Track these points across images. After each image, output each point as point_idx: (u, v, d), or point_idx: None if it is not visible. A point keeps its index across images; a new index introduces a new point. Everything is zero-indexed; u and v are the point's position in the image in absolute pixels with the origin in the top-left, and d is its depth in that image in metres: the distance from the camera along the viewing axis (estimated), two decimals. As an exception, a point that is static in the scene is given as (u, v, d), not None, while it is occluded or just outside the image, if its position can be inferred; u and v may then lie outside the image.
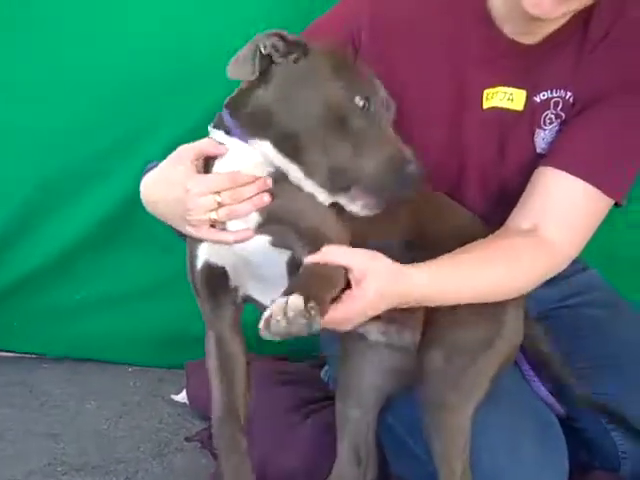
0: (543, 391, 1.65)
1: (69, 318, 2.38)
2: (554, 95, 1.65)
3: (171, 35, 2.11)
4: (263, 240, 1.38)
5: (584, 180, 1.59)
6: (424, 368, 1.47)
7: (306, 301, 1.18)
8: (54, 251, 2.29)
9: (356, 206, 1.35)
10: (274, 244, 1.38)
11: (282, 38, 1.35)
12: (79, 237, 2.27)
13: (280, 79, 1.36)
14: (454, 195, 1.68)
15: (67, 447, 1.99)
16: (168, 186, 1.43)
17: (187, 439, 2.03)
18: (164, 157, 2.11)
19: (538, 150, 1.67)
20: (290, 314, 1.16)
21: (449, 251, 1.48)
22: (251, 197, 1.36)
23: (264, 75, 1.36)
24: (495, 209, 1.71)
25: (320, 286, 1.26)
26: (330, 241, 1.34)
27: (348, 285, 1.32)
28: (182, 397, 2.21)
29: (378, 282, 1.33)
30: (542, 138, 1.66)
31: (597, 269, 1.97)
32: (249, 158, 1.38)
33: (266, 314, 1.18)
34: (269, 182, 1.37)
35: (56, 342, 2.44)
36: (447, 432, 1.44)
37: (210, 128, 1.44)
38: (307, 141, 1.33)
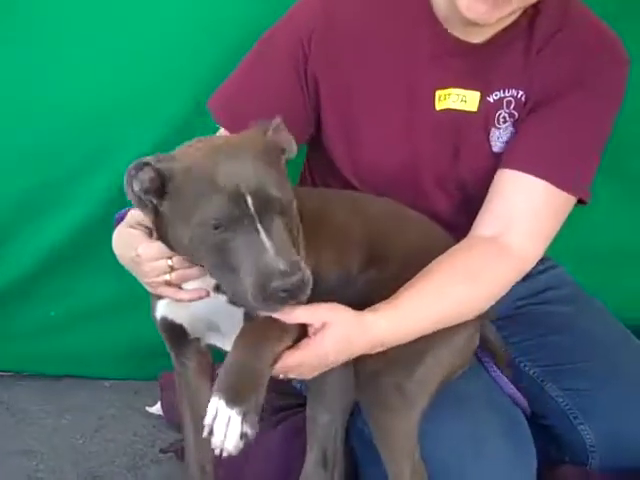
0: (510, 388, 1.66)
1: (44, 335, 2.37)
2: (506, 95, 1.66)
3: (138, 53, 2.09)
4: (220, 299, 1.41)
5: (542, 179, 1.60)
6: (366, 372, 1.48)
7: (234, 407, 1.26)
8: (26, 269, 2.27)
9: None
10: (231, 302, 1.40)
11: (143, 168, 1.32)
12: (51, 254, 2.26)
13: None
14: (416, 202, 1.68)
15: (42, 464, 2.00)
16: (125, 247, 1.49)
17: (162, 450, 2.04)
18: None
19: (494, 149, 1.68)
20: (226, 431, 1.25)
21: (407, 263, 1.51)
22: None
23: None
24: (460, 214, 1.72)
25: (263, 346, 1.33)
26: None
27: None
28: (157, 409, 2.21)
29: (336, 330, 1.38)
30: (497, 137, 1.68)
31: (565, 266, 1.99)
32: None
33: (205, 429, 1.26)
34: None
35: (32, 359, 2.43)
36: (392, 436, 1.46)
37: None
38: (209, 270, 1.34)
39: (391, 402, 1.45)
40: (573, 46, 1.62)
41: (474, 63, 1.64)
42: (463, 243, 1.61)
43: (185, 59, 2.07)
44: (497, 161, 1.67)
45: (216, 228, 1.25)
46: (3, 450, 2.06)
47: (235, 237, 1.26)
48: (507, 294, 1.72)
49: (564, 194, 1.62)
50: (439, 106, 1.67)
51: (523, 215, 1.60)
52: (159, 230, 1.37)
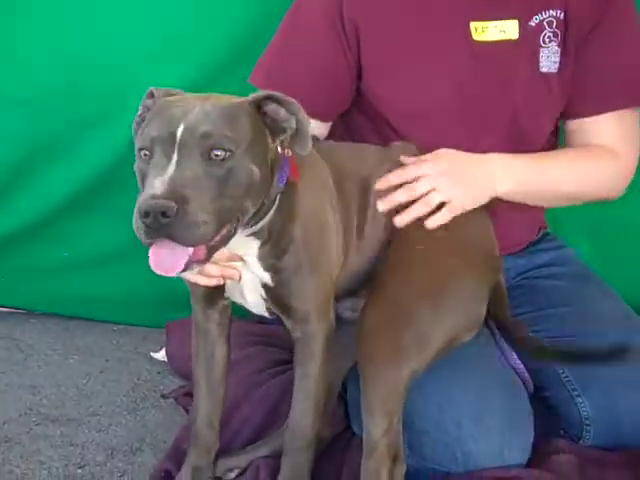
0: (516, 361, 1.66)
1: (56, 276, 2.40)
2: (546, 16, 1.71)
3: (153, 14, 2.09)
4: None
5: (622, 108, 1.76)
6: (364, 323, 1.49)
7: None
8: (42, 210, 2.29)
9: None
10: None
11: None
12: (65, 197, 2.27)
13: None
14: (465, 141, 1.68)
15: (45, 399, 2.02)
16: None
17: (163, 396, 2.06)
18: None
19: (542, 70, 1.73)
20: None
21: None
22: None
23: None
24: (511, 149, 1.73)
25: None
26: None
27: None
28: (161, 355, 2.23)
29: (448, 153, 1.58)
30: (547, 56, 1.73)
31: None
32: None
33: None
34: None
35: (44, 299, 2.48)
36: (375, 389, 1.45)
37: None
38: None
39: (382, 355, 1.45)
40: None
41: None
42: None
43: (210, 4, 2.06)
44: (545, 82, 1.72)
45: (145, 155, 1.26)
46: (10, 382, 2.09)
47: (149, 163, 1.25)
48: (510, 267, 1.73)
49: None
50: (477, 37, 1.69)
51: (616, 137, 1.77)
52: None
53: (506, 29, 1.70)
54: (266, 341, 2.01)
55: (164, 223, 1.18)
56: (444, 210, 1.57)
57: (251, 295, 1.49)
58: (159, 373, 2.20)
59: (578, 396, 1.63)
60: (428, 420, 1.50)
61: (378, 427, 1.43)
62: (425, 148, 1.66)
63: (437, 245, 1.55)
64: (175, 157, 1.22)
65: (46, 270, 2.40)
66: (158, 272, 1.29)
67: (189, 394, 1.98)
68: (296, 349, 1.51)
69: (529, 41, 1.71)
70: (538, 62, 1.72)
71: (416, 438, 1.51)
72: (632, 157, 1.82)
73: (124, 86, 2.10)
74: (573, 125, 1.82)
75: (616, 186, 1.83)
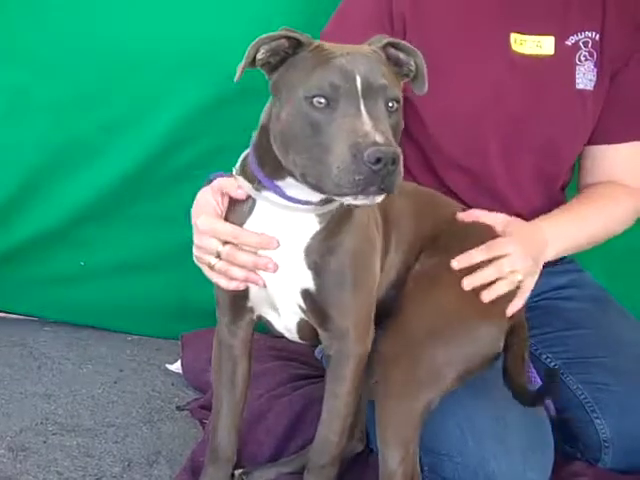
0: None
1: (72, 284, 2.41)
2: (581, 37, 1.76)
3: (181, 17, 2.11)
4: (281, 278, 1.40)
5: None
6: (380, 354, 1.48)
7: None
8: (61, 217, 2.31)
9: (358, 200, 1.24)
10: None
11: (285, 38, 1.29)
12: (85, 205, 2.29)
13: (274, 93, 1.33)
14: (499, 157, 1.74)
15: (60, 408, 2.02)
16: (197, 210, 1.44)
17: (178, 408, 2.06)
18: (171, 130, 2.13)
19: (579, 87, 1.76)
20: None
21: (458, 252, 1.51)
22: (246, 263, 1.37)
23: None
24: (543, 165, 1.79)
25: None
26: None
27: None
28: (176, 367, 2.23)
29: (519, 226, 1.57)
30: (583, 74, 1.76)
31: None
32: (274, 220, 1.37)
33: None
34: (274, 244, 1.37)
35: (59, 307, 2.48)
36: (390, 421, 1.45)
37: (236, 175, 1.41)
38: (296, 155, 1.26)
39: (397, 386, 1.45)
40: None
41: (548, 7, 1.73)
42: (585, 190, 1.85)
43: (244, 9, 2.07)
44: (581, 99, 1.75)
45: (319, 102, 1.22)
46: (24, 391, 2.09)
47: (334, 112, 1.22)
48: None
49: None
50: (516, 48, 1.73)
51: (631, 168, 1.83)
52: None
53: (543, 44, 1.74)
54: (286, 356, 2.02)
55: (391, 170, 1.17)
56: (519, 299, 1.56)
57: (285, 305, 1.45)
58: (173, 385, 2.20)
59: (597, 418, 1.64)
60: (449, 442, 1.50)
61: (394, 457, 1.43)
62: (458, 158, 1.68)
63: (455, 283, 1.51)
64: (363, 107, 1.21)
65: (61, 278, 2.41)
66: None
67: (204, 407, 1.99)
68: (329, 367, 1.48)
69: (565, 58, 1.75)
70: (574, 79, 1.75)
71: (437, 460, 1.51)
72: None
73: (150, 93, 2.13)
74: (592, 151, 1.84)
75: (631, 221, 1.86)
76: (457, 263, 1.49)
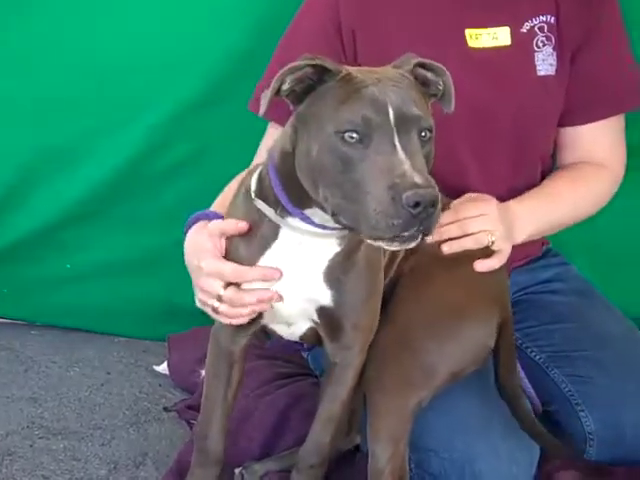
0: (526, 384, 1.69)
1: (59, 287, 2.40)
2: (536, 22, 1.75)
3: (164, 20, 2.09)
4: (297, 296, 1.39)
5: (610, 116, 1.81)
6: (373, 349, 1.48)
7: None
8: (45, 220, 2.30)
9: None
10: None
11: (310, 66, 1.24)
12: (70, 208, 2.27)
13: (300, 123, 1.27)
14: (473, 149, 1.72)
15: (47, 412, 2.02)
16: (194, 253, 1.43)
17: (165, 409, 2.05)
18: (155, 132, 2.11)
19: (540, 73, 1.75)
20: None
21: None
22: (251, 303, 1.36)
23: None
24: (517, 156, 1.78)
25: None
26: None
27: None
28: (163, 368, 2.23)
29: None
30: (542, 60, 1.75)
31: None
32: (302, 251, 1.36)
33: None
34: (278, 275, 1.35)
35: (45, 310, 2.47)
36: (382, 417, 1.45)
37: (254, 198, 1.37)
38: (327, 192, 1.21)
39: (389, 384, 1.45)
40: None
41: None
42: (558, 170, 1.84)
43: (225, 12, 2.06)
44: (544, 85, 1.74)
45: (351, 137, 1.17)
46: (10, 395, 2.08)
47: (368, 149, 1.17)
48: (513, 282, 1.75)
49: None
50: (472, 44, 1.72)
51: (602, 146, 1.82)
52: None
53: (499, 36, 1.72)
54: (271, 355, 2.02)
55: (430, 213, 1.13)
56: (495, 259, 1.56)
57: (299, 320, 1.44)
58: (160, 386, 2.19)
59: (582, 411, 1.63)
60: (436, 438, 1.50)
61: (384, 453, 1.44)
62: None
63: (448, 280, 1.54)
64: (397, 142, 1.16)
65: (48, 282, 2.40)
66: None
67: (191, 407, 1.99)
68: (330, 373, 1.48)
69: (522, 46, 1.74)
70: (535, 66, 1.74)
71: (424, 456, 1.51)
72: (621, 166, 1.86)
73: (137, 95, 2.12)
74: (565, 135, 1.85)
75: (608, 198, 1.86)
76: None
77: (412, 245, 1.18)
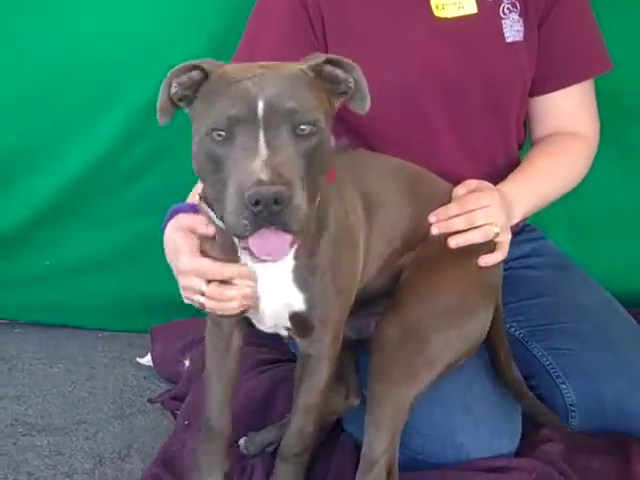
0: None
1: (39, 284, 2.39)
2: None
3: (130, 16, 2.08)
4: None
5: (580, 81, 1.81)
6: (379, 339, 1.48)
7: None
8: (21, 218, 2.29)
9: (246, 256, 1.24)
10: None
11: (195, 69, 1.24)
12: (45, 205, 2.27)
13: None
14: (448, 117, 1.72)
15: (31, 409, 2.02)
16: (174, 252, 1.42)
17: (150, 400, 2.05)
18: (126, 127, 2.08)
19: (508, 40, 1.75)
20: None
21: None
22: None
23: None
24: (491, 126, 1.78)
25: None
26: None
27: None
28: (147, 360, 2.22)
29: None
30: (510, 26, 1.75)
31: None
32: None
33: None
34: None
35: (27, 308, 2.46)
36: (383, 406, 1.44)
37: (201, 201, 1.36)
38: (209, 193, 1.26)
39: (394, 374, 1.45)
40: None
41: None
42: (536, 145, 1.84)
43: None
44: (513, 52, 1.74)
45: (218, 136, 1.16)
46: (-6, 394, 2.09)
47: (232, 146, 1.16)
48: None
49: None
50: (438, 14, 1.71)
51: (574, 114, 1.83)
52: None
53: (464, 4, 1.72)
54: (255, 341, 2.00)
55: (275, 211, 1.11)
56: (499, 253, 1.58)
57: (273, 322, 1.44)
58: (145, 378, 2.19)
59: (562, 383, 1.64)
60: (418, 415, 1.50)
61: (381, 443, 1.44)
62: (407, 130, 1.68)
63: (454, 272, 1.54)
64: (262, 137, 1.14)
65: (28, 279, 2.39)
66: (267, 258, 1.19)
67: (175, 398, 1.99)
68: (304, 365, 1.47)
69: (488, 14, 1.73)
70: (502, 33, 1.74)
71: (405, 435, 1.50)
72: (595, 134, 1.87)
73: (108, 88, 2.11)
74: (537, 105, 1.85)
75: (587, 168, 1.86)
76: (435, 218, 1.55)
77: (283, 258, 1.19)
